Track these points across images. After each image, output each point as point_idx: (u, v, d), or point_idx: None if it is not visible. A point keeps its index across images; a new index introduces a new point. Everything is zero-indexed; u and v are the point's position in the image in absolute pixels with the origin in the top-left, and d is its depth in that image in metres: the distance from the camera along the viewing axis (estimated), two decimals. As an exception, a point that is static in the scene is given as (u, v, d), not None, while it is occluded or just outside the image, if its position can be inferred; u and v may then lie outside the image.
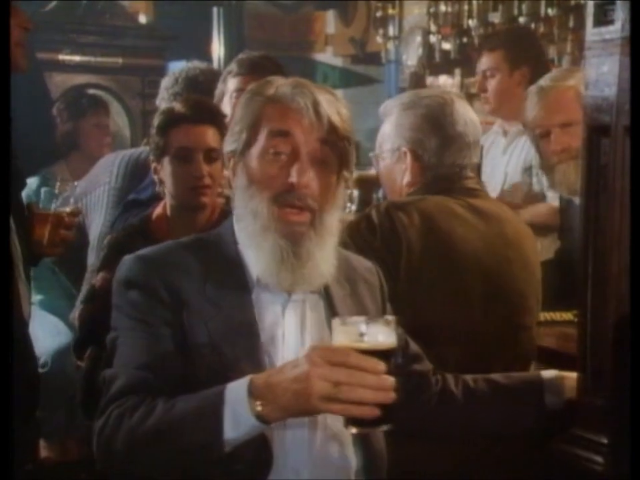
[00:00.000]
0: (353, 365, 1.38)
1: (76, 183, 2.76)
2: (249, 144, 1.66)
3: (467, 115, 2.23)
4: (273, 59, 2.98)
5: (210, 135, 2.39)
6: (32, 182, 3.36)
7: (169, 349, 1.60)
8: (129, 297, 1.65)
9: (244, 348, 1.58)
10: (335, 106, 1.64)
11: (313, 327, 1.68)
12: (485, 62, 3.64)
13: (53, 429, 3.15)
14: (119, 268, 1.70)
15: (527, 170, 3.42)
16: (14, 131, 2.43)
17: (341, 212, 1.71)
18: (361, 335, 1.42)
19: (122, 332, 1.65)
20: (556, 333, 2.46)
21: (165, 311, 1.62)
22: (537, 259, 2.33)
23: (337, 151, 1.66)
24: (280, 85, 1.66)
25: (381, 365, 1.38)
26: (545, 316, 2.61)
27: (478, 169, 2.42)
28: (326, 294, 1.71)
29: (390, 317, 1.48)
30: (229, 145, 1.70)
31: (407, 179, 2.24)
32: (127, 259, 1.69)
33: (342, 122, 1.64)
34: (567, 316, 2.58)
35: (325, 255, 1.65)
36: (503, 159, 3.61)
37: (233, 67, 2.92)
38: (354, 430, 1.43)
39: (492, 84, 3.62)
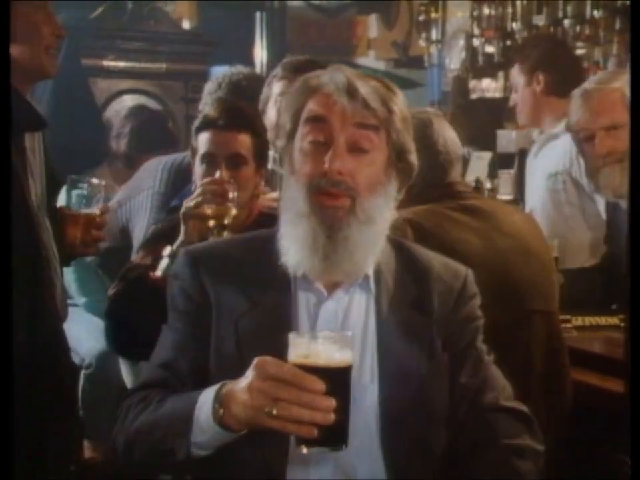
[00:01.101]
0: (289, 381, 1.34)
1: (104, 182, 2.78)
2: (292, 135, 1.63)
3: (446, 132, 2.29)
4: (318, 62, 2.97)
5: (238, 141, 2.38)
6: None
7: (192, 347, 1.61)
8: (172, 290, 1.68)
9: (269, 347, 1.52)
10: (379, 92, 1.59)
11: (356, 327, 1.62)
12: (510, 79, 3.75)
13: (97, 429, 3.18)
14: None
15: (552, 176, 3.40)
16: (55, 135, 2.47)
17: (391, 201, 1.65)
18: (311, 350, 1.37)
19: (166, 324, 1.68)
20: (602, 337, 2.45)
21: (195, 308, 1.63)
22: (542, 243, 2.35)
23: (383, 137, 1.60)
24: (323, 73, 1.63)
25: (319, 384, 1.34)
26: (589, 320, 2.60)
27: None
28: (377, 293, 1.65)
29: (349, 334, 1.42)
30: (278, 141, 1.68)
31: None
32: (181, 252, 1.72)
33: (384, 108, 1.58)
34: (613, 320, 2.56)
35: (365, 244, 1.60)
36: (535, 163, 3.60)
37: (278, 70, 2.93)
38: (304, 450, 1.38)
39: (516, 98, 3.67)
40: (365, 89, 1.57)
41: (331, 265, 1.59)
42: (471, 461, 1.58)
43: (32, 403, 2.28)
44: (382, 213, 1.63)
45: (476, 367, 1.66)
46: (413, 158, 1.67)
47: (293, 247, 1.60)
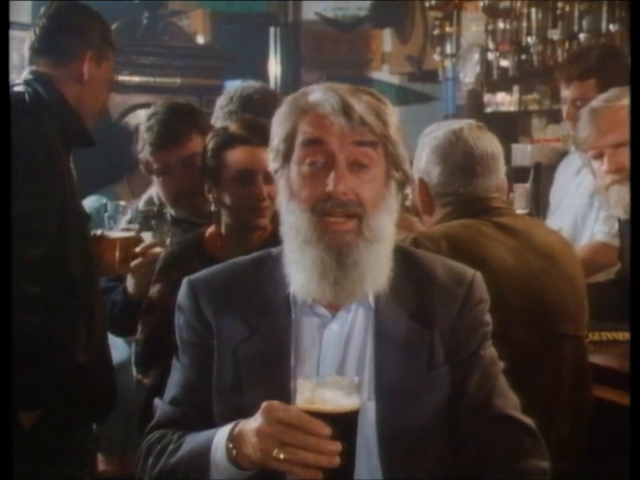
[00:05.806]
0: (295, 426, 1.36)
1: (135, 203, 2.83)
2: (287, 157, 1.61)
3: (478, 142, 2.25)
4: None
5: (267, 156, 2.42)
6: (92, 200, 3.43)
7: (198, 383, 1.61)
8: (177, 322, 1.68)
9: (269, 374, 1.55)
10: (372, 106, 1.57)
11: (357, 349, 1.60)
12: (574, 92, 3.45)
13: (111, 443, 3.19)
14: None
15: (594, 194, 3.38)
16: (75, 153, 2.52)
17: (394, 215, 1.63)
18: (318, 396, 1.39)
19: (175, 358, 1.68)
20: (619, 352, 2.43)
21: (199, 339, 1.63)
22: (576, 267, 2.32)
23: (381, 151, 1.59)
24: (311, 92, 1.61)
25: (324, 429, 1.35)
26: (607, 335, 2.58)
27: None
28: (376, 308, 1.62)
29: (356, 379, 1.43)
30: (272, 162, 1.66)
31: (420, 207, 2.33)
32: (183, 281, 1.69)
33: (379, 122, 1.57)
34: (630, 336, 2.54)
35: (375, 263, 1.57)
36: (576, 180, 3.57)
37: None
38: None
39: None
40: (359, 105, 1.55)
41: (341, 289, 1.57)
42: None
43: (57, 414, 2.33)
44: (387, 228, 1.60)
45: (484, 375, 1.63)
46: (408, 166, 1.66)
47: (301, 274, 1.57)
